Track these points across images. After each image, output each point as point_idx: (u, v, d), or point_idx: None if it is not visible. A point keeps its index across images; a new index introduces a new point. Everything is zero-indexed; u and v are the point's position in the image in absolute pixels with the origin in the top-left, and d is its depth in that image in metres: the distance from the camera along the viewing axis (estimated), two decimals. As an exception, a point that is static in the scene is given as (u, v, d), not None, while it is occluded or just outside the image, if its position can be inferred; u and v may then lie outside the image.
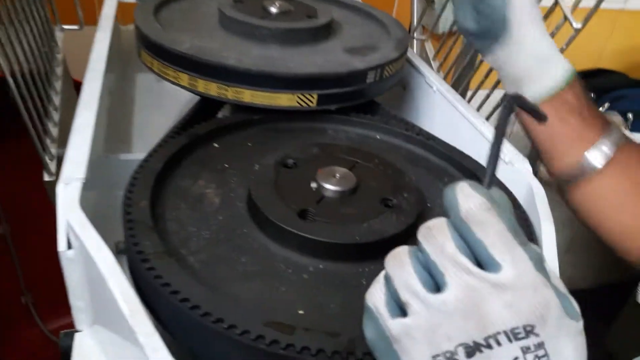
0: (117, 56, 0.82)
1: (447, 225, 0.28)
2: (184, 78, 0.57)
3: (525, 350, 0.25)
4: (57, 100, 0.73)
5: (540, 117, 0.31)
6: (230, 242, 0.42)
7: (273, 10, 0.66)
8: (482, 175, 0.54)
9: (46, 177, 0.62)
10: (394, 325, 0.28)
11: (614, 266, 1.36)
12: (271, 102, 0.57)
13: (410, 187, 0.48)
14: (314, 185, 0.46)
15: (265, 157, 0.50)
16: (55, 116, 0.72)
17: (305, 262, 0.41)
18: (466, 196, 0.28)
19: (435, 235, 0.28)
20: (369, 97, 0.62)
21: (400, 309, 0.28)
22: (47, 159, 0.63)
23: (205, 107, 0.60)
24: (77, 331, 0.45)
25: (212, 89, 0.57)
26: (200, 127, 0.54)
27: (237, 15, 0.63)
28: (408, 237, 0.44)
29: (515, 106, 0.29)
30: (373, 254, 0.42)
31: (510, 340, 0.25)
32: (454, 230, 0.28)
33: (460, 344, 0.26)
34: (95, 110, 0.55)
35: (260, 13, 0.65)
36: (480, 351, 0.26)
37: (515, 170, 0.56)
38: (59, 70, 0.77)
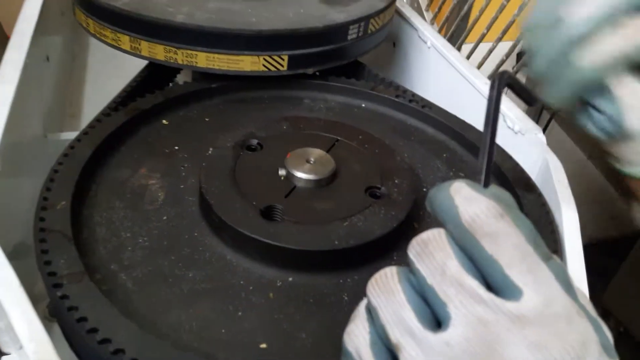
0: (62, 13, 0.71)
1: (447, 239, 0.21)
2: (125, 40, 0.47)
3: None
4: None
5: (531, 100, 0.26)
6: (175, 252, 0.33)
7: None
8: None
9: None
10: None
11: (611, 222, 1.31)
12: (232, 67, 0.47)
13: (402, 169, 0.39)
14: (282, 172, 0.37)
15: (224, 137, 0.40)
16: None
17: (271, 275, 0.32)
18: (467, 199, 0.20)
19: (433, 251, 0.20)
20: (352, 57, 0.52)
21: (390, 353, 0.21)
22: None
23: (155, 74, 0.50)
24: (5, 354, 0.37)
25: (159, 52, 0.46)
26: (143, 101, 0.44)
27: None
28: (400, 237, 0.35)
29: (504, 85, 0.23)
30: (357, 261, 0.33)
31: None
32: (455, 244, 0.20)
33: None
34: (15, 83, 0.45)
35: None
36: None
37: (527, 140, 0.47)
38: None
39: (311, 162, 0.37)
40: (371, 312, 0.21)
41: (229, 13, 0.47)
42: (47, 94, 0.59)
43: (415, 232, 0.37)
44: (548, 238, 0.36)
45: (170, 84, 0.51)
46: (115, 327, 0.26)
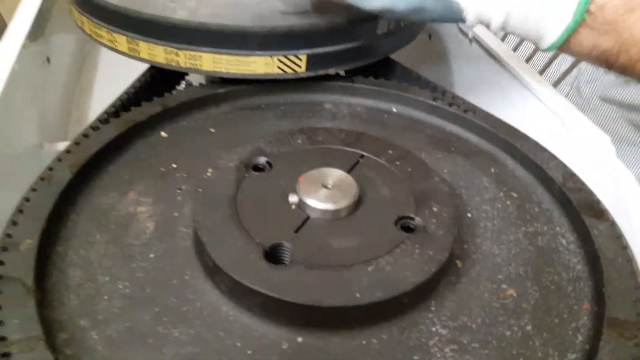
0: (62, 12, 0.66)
1: None
2: (121, 41, 0.41)
3: None
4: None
5: None
6: (160, 301, 0.27)
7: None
8: (546, 164, 0.38)
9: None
10: None
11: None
12: (242, 70, 0.40)
13: (441, 193, 0.32)
14: (293, 199, 0.30)
15: (230, 152, 0.34)
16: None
17: (275, 335, 0.26)
18: None
19: None
20: (381, 54, 0.45)
21: None
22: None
23: (157, 78, 0.44)
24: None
25: (159, 54, 0.40)
26: (138, 111, 0.38)
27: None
28: (439, 281, 0.28)
29: None
30: (384, 317, 0.26)
31: None
32: None
33: None
34: (2, 85, 0.41)
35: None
36: None
37: (590, 151, 0.39)
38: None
39: (329, 186, 0.30)
40: None
41: (238, 7, 0.41)
42: (47, 100, 0.55)
43: (459, 272, 0.30)
44: (627, 282, 0.29)
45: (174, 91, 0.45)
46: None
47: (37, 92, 0.51)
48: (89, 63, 0.71)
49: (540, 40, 0.36)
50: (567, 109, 0.43)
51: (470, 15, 0.36)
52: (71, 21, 0.66)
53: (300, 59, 0.41)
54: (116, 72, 0.69)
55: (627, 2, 0.34)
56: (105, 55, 0.72)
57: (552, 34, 0.35)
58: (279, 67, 0.41)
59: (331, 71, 0.43)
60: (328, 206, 0.29)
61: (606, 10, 0.34)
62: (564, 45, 0.36)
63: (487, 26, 0.37)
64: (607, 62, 0.36)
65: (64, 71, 0.61)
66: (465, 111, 0.41)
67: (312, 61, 0.41)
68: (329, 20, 0.40)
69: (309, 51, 0.40)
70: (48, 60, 0.56)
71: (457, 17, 0.36)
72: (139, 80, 0.43)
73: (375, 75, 0.45)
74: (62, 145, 0.50)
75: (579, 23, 0.34)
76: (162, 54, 0.40)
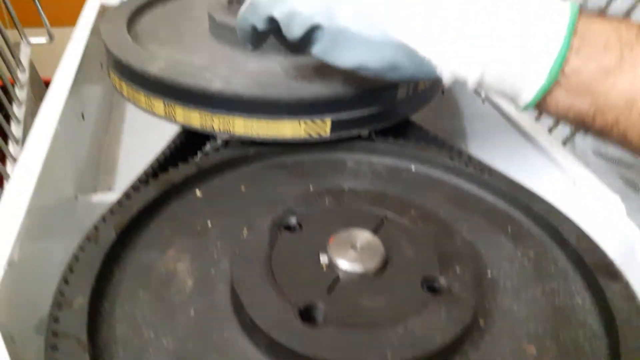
0: (101, 65, 0.70)
1: None
2: (159, 105, 0.44)
3: None
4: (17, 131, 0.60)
5: None
6: (201, 357, 0.29)
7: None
8: (560, 225, 0.40)
9: None
10: None
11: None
12: (271, 133, 0.43)
13: (463, 253, 0.34)
14: (324, 260, 0.32)
15: (261, 210, 0.36)
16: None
17: (311, 392, 0.27)
18: None
19: None
20: (401, 117, 0.48)
21: None
22: None
23: (191, 139, 0.47)
24: None
25: (194, 118, 0.43)
26: (175, 172, 0.41)
27: (228, 21, 0.50)
28: (464, 340, 0.30)
29: None
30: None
31: None
32: None
33: None
34: (48, 143, 0.44)
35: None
36: None
37: (599, 210, 0.41)
38: (21, 94, 0.64)
39: (357, 247, 0.33)
40: None
41: (268, 76, 0.44)
42: (81, 153, 0.58)
43: (482, 330, 0.32)
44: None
45: (204, 147, 0.48)
46: None
47: (73, 146, 0.54)
48: (115, 113, 0.74)
49: (517, 99, 0.36)
50: (577, 169, 0.45)
51: (445, 72, 0.35)
52: (101, 76, 0.70)
53: (325, 123, 0.44)
54: (142, 121, 0.72)
55: (602, 66, 0.33)
56: (130, 107, 0.76)
57: (527, 93, 0.35)
58: (305, 131, 0.43)
59: (354, 133, 0.45)
60: (357, 267, 0.31)
61: (581, 73, 0.33)
62: (541, 105, 0.35)
63: (464, 83, 0.36)
64: (584, 124, 0.35)
65: (96, 124, 0.64)
66: (481, 171, 0.44)
67: (336, 125, 0.44)
68: (352, 89, 0.43)
69: (333, 116, 0.43)
70: (82, 116, 0.60)
71: (432, 75, 0.36)
72: (173, 141, 0.46)
73: (394, 135, 0.48)
74: (96, 198, 0.53)
75: (554, 84, 0.33)
76: (197, 119, 0.43)
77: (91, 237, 0.34)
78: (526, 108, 0.36)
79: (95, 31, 0.68)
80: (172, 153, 0.45)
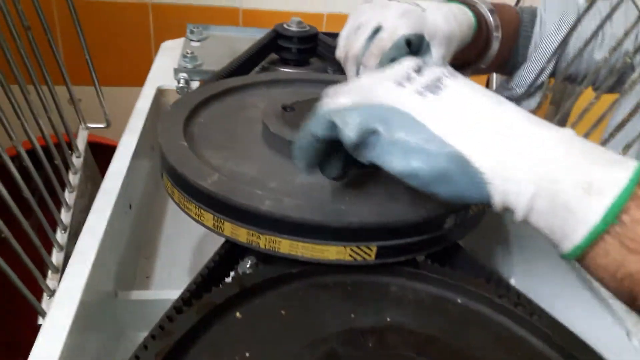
0: (152, 148, 0.72)
1: None
2: (208, 217, 0.45)
3: None
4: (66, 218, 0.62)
5: None
6: None
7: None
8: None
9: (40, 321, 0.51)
10: None
11: None
12: (315, 255, 0.43)
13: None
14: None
15: (301, 340, 0.36)
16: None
17: None
18: None
19: None
20: (447, 243, 0.47)
21: None
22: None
23: (233, 250, 0.47)
24: None
25: (242, 234, 0.44)
26: (218, 292, 0.41)
27: (281, 132, 0.51)
28: None
29: None
30: None
31: None
32: None
33: None
34: (100, 236, 0.45)
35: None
36: None
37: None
38: (74, 179, 0.67)
39: (400, 408, 0.31)
40: None
41: (318, 200, 0.44)
42: (123, 244, 0.58)
43: None
44: None
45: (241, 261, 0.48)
46: None
47: (118, 238, 0.55)
48: (157, 207, 0.73)
49: (565, 239, 0.33)
50: (632, 318, 0.43)
51: (496, 194, 0.34)
52: (150, 158, 0.71)
53: (371, 250, 0.43)
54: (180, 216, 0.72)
55: None
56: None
57: (577, 233, 0.31)
58: (350, 255, 0.43)
59: (399, 259, 0.45)
60: None
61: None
62: (588, 255, 0.32)
63: (513, 212, 0.34)
64: (632, 291, 0.31)
65: (139, 211, 0.65)
66: (531, 314, 0.42)
67: (381, 252, 0.43)
68: (399, 218, 0.43)
69: (379, 243, 0.43)
70: (130, 206, 0.61)
71: (481, 195, 0.34)
72: (218, 253, 0.46)
73: (441, 262, 0.47)
74: (136, 295, 0.54)
75: (607, 229, 0.30)
76: (244, 235, 0.44)
77: (132, 366, 0.34)
78: (571, 255, 0.33)
79: (150, 115, 0.71)
80: (214, 266, 0.45)
